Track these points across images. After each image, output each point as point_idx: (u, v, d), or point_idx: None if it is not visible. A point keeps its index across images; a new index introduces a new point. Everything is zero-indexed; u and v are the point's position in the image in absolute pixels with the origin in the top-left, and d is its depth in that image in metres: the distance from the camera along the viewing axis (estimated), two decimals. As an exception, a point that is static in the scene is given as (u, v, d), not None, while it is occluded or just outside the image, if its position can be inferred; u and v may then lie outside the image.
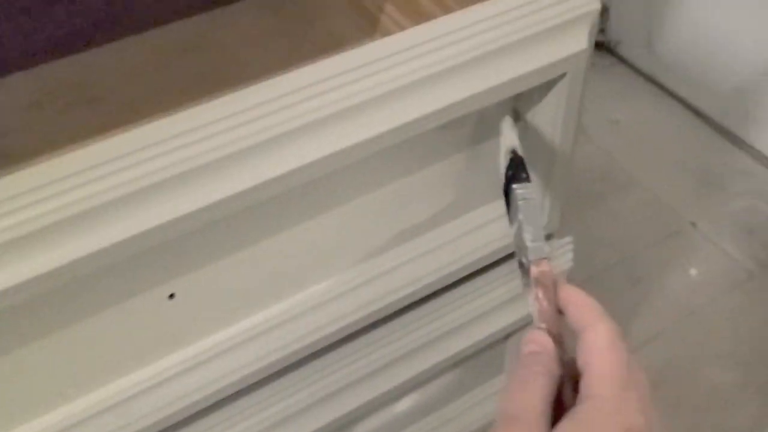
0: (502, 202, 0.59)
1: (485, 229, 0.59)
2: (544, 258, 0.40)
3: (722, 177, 1.24)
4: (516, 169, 0.45)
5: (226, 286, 0.49)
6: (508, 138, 0.48)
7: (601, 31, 1.47)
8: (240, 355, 0.51)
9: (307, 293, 0.53)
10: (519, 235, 0.42)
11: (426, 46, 0.44)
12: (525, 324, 0.68)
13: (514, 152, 0.47)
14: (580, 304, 0.37)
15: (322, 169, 0.43)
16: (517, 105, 0.53)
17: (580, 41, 0.46)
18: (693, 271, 1.11)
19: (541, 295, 0.38)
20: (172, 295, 0.46)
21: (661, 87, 1.39)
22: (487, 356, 0.74)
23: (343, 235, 0.53)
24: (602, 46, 1.49)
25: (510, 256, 0.62)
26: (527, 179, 0.44)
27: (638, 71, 1.43)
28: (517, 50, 0.45)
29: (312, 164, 0.42)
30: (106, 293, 0.44)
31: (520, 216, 0.42)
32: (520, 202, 0.43)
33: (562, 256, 0.64)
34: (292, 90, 0.42)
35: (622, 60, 1.46)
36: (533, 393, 0.33)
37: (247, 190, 0.40)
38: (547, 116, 0.51)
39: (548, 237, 0.64)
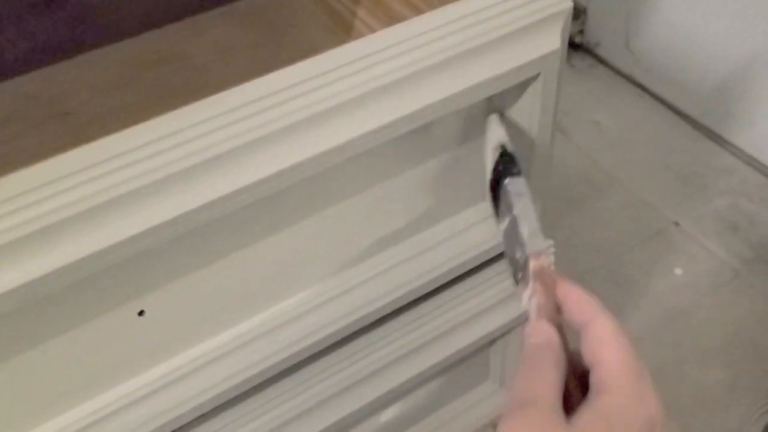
0: (484, 205, 0.59)
1: (468, 232, 0.58)
2: (542, 252, 0.39)
3: (704, 175, 1.24)
4: (507, 164, 0.44)
5: (200, 300, 0.48)
6: (496, 133, 0.47)
7: (580, 32, 1.47)
8: (218, 369, 0.50)
9: (287, 303, 0.52)
10: (513, 231, 0.41)
11: (397, 48, 0.43)
12: (509, 329, 0.67)
13: (503, 147, 0.45)
14: (578, 300, 0.36)
15: (297, 174, 0.41)
16: (500, 104, 0.52)
17: (552, 41, 0.46)
18: (678, 271, 1.10)
19: (540, 289, 0.37)
20: (141, 312, 0.45)
21: (641, 87, 1.39)
22: (473, 363, 0.73)
23: (323, 242, 0.52)
24: (581, 48, 1.49)
25: (492, 261, 0.62)
26: (519, 174, 0.43)
27: (618, 72, 1.43)
28: (489, 51, 0.44)
29: (287, 170, 0.41)
30: (73, 312, 0.43)
31: (515, 211, 0.41)
32: (513, 197, 0.42)
33: (543, 259, 0.63)
34: (264, 95, 0.41)
35: (602, 61, 1.46)
36: (546, 381, 0.33)
37: (220, 198, 0.39)
38: (522, 117, 0.50)
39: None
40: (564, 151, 1.29)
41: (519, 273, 0.40)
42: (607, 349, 0.34)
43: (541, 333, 0.36)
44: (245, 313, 0.51)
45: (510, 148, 0.45)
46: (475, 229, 0.58)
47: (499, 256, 0.61)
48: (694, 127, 1.31)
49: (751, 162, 1.24)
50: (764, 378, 0.97)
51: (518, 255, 0.40)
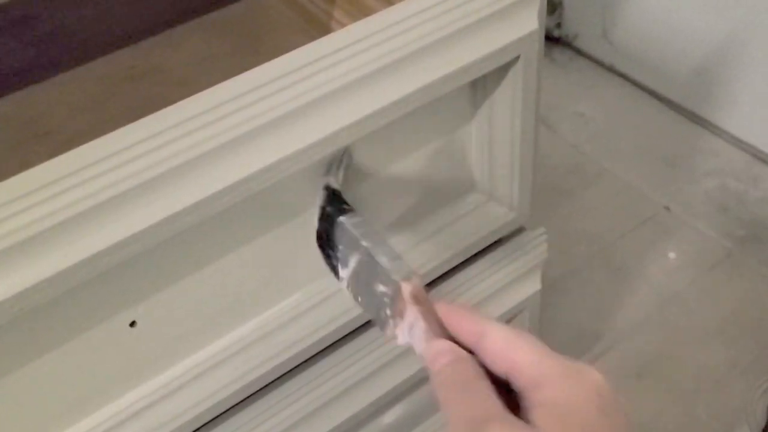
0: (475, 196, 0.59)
1: (460, 223, 0.58)
2: (412, 274, 0.35)
3: (690, 159, 1.24)
4: (335, 205, 0.41)
5: (191, 308, 0.47)
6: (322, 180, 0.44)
7: (558, 26, 1.47)
8: (215, 378, 0.49)
9: (280, 306, 0.51)
10: (367, 266, 0.37)
11: (374, 38, 0.43)
12: (510, 319, 0.66)
13: (327, 187, 0.42)
14: (463, 317, 0.33)
15: (280, 172, 0.41)
16: (482, 89, 0.51)
17: (530, 22, 0.45)
18: (671, 255, 1.10)
19: (422, 311, 0.33)
20: (133, 323, 0.44)
21: (622, 75, 1.40)
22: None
23: (310, 244, 0.51)
24: (560, 41, 1.49)
25: (486, 251, 0.61)
26: (352, 210, 0.40)
27: (598, 62, 1.43)
28: (467, 36, 0.44)
29: (270, 167, 0.40)
30: (62, 327, 0.42)
31: (365, 242, 0.38)
32: (357, 231, 0.39)
33: (536, 247, 0.63)
34: (243, 92, 0.41)
35: (581, 53, 1.46)
36: (484, 393, 0.30)
37: (205, 198, 0.39)
38: (505, 103, 0.50)
39: (520, 230, 0.63)
40: (550, 143, 1.29)
41: (386, 310, 0.35)
42: (517, 350, 0.31)
43: (446, 351, 0.32)
44: (239, 318, 0.50)
45: (335, 185, 0.42)
46: (466, 220, 0.58)
47: (493, 246, 0.61)
48: (677, 112, 1.32)
49: (736, 142, 1.25)
50: (764, 355, 0.97)
51: (381, 289, 0.36)
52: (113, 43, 0.77)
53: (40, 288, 0.35)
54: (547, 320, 0.78)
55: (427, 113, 0.50)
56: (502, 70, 0.48)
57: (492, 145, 0.54)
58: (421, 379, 0.63)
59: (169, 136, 0.39)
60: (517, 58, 0.47)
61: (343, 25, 0.74)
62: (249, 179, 0.40)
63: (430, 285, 0.59)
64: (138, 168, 0.37)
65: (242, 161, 0.40)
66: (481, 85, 0.50)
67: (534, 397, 0.30)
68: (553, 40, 1.48)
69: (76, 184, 0.37)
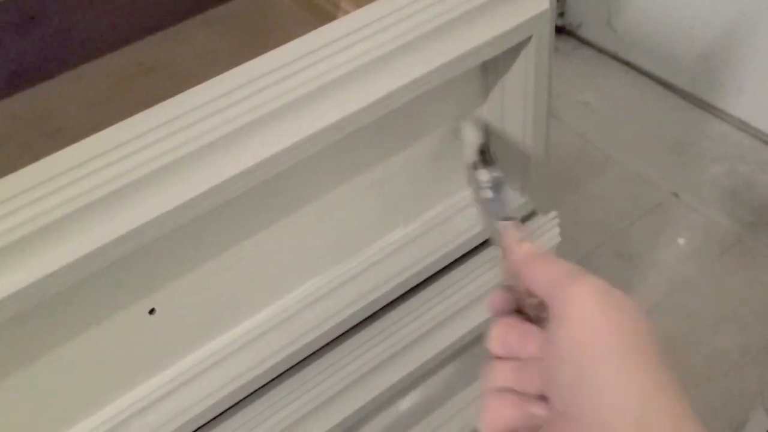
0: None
1: (469, 210, 0.58)
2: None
3: (698, 144, 1.24)
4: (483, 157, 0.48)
5: (209, 295, 0.47)
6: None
7: (561, 15, 1.47)
8: (235, 364, 0.49)
9: (296, 294, 0.52)
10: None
11: (386, 20, 0.43)
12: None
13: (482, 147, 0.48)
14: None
15: (293, 157, 0.41)
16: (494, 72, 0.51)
17: (542, 2, 0.45)
18: (681, 241, 1.10)
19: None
20: (152, 311, 0.45)
21: (627, 63, 1.39)
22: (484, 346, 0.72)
23: (325, 229, 0.51)
24: (564, 31, 1.49)
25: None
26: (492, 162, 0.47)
27: (602, 51, 1.43)
28: (479, 17, 0.44)
29: (284, 152, 0.40)
30: (82, 316, 0.42)
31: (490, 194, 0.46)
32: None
33: (548, 231, 0.63)
34: (256, 77, 0.41)
35: (585, 42, 1.46)
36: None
37: (213, 187, 0.39)
38: (516, 85, 0.50)
39: (532, 214, 0.63)
40: (556, 133, 1.29)
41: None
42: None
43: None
44: (257, 304, 0.50)
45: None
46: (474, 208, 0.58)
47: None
48: (683, 98, 1.31)
49: (743, 127, 1.25)
50: (778, 338, 0.97)
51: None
52: (121, 39, 0.77)
53: (60, 274, 0.36)
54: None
55: (438, 97, 0.50)
56: (514, 52, 0.48)
57: (504, 128, 0.54)
58: (436, 366, 0.63)
59: (181, 123, 0.39)
60: (529, 38, 0.47)
61: (350, 16, 0.74)
62: (264, 163, 0.40)
63: (446, 269, 0.59)
64: (153, 154, 0.38)
65: (257, 146, 0.40)
66: (493, 67, 0.50)
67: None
68: (556, 29, 1.48)
69: (91, 172, 0.37)
